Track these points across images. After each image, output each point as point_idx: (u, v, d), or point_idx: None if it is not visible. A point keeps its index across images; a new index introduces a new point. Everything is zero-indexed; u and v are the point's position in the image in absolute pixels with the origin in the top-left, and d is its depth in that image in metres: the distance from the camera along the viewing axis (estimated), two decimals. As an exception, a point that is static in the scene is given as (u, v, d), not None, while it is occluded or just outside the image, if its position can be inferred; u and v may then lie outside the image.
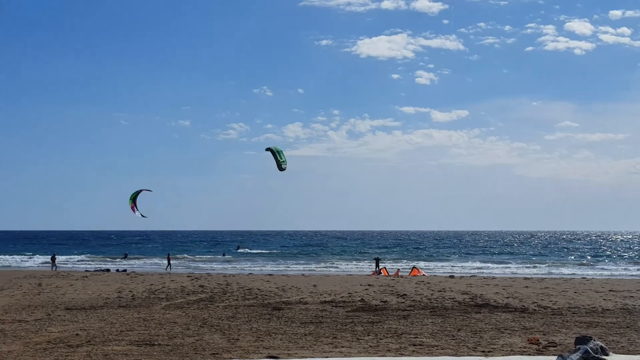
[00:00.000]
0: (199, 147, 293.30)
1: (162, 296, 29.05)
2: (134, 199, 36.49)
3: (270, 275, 46.73)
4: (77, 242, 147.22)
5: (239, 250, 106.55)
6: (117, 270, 54.26)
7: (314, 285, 35.07)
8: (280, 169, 29.85)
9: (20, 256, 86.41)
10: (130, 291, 31.56)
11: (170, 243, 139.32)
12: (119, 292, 31.22)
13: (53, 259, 60.36)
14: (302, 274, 49.62)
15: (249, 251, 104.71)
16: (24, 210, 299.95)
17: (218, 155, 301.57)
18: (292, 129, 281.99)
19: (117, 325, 19.19)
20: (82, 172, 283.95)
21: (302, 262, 77.22)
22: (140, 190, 36.85)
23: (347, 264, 72.23)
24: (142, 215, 36.61)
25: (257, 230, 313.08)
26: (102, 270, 54.26)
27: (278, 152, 29.77)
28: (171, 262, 62.46)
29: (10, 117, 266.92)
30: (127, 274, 47.18)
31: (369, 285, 35.51)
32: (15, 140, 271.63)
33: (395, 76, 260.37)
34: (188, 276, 43.46)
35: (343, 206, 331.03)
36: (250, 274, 49.86)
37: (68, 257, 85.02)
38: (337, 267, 67.12)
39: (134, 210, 36.23)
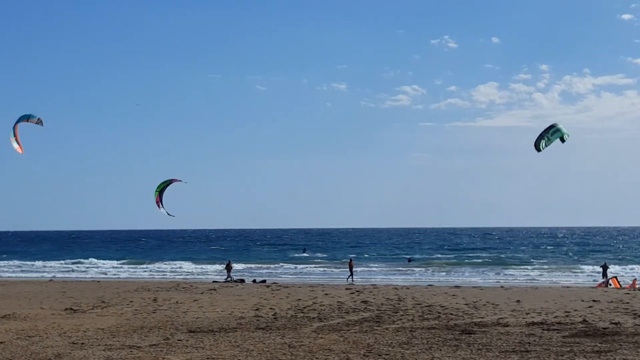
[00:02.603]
0: (358, 118, 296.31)
1: (313, 315, 29.38)
2: (160, 191, 36.66)
3: (456, 287, 46.44)
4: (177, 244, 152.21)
5: (304, 254, 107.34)
6: (254, 281, 55.39)
7: (517, 301, 34.53)
8: (538, 147, 30.11)
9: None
10: (271, 308, 32.13)
11: (324, 245, 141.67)
12: (257, 309, 31.84)
13: (228, 267, 61.55)
14: (501, 286, 49.03)
15: (319, 255, 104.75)
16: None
17: (384, 128, 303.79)
18: (484, 91, 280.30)
19: (254, 353, 19.57)
20: (195, 153, 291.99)
21: (496, 267, 76.49)
22: (170, 181, 36.99)
23: (562, 273, 70.83)
24: (169, 214, 36.79)
25: (434, 227, 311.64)
26: (235, 281, 55.57)
27: (558, 130, 30.01)
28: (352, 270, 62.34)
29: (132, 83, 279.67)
30: (268, 286, 48.08)
31: (594, 301, 34.59)
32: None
33: (626, 17, 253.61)
34: (347, 289, 43.82)
35: (553, 194, 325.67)
36: (429, 285, 49.75)
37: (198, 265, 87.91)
38: (547, 277, 65.92)
39: (158, 206, 36.44)
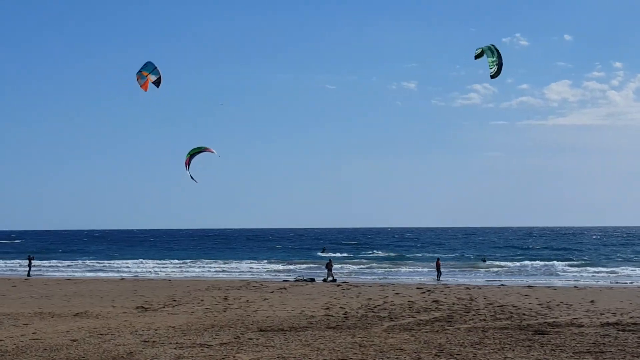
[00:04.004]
0: (428, 117, 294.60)
1: (384, 314, 29.41)
2: (192, 154, 37.21)
3: (529, 287, 46.03)
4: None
5: (324, 254, 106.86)
6: (324, 280, 55.45)
7: (592, 301, 34.19)
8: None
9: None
10: (341, 307, 32.24)
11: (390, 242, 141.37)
12: (327, 308, 31.97)
13: (329, 266, 59.77)
14: (575, 286, 48.53)
15: (333, 255, 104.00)
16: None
17: (455, 127, 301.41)
18: (557, 89, 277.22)
19: (325, 352, 19.63)
20: (265, 154, 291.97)
21: (570, 267, 75.73)
22: (204, 149, 37.45)
23: (638, 273, 69.73)
24: (192, 178, 37.28)
25: (507, 226, 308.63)
26: (305, 280, 55.62)
27: (490, 50, 29.51)
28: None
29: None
30: (338, 285, 48.25)
31: (672, 301, 34.17)
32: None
33: None
34: (418, 288, 43.74)
35: (627, 192, 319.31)
36: (502, 285, 49.39)
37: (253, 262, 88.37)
38: (622, 277, 64.97)
39: (186, 167, 37.00)
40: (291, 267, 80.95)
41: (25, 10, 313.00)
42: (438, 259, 67.14)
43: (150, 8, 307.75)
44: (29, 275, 65.62)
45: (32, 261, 69.88)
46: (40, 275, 67.33)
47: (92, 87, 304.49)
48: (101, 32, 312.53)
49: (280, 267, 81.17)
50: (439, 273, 60.25)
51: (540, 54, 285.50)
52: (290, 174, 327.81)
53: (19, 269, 79.17)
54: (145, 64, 34.34)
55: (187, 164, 37.34)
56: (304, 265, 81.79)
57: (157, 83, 34.26)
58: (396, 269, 76.46)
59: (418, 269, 75.77)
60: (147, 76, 34.20)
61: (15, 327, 25.95)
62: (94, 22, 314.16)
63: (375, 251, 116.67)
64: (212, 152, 37.68)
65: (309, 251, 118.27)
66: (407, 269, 76.26)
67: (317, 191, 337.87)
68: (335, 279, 56.78)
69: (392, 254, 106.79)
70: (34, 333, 24.15)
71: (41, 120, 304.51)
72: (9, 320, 28.05)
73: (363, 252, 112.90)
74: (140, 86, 34.52)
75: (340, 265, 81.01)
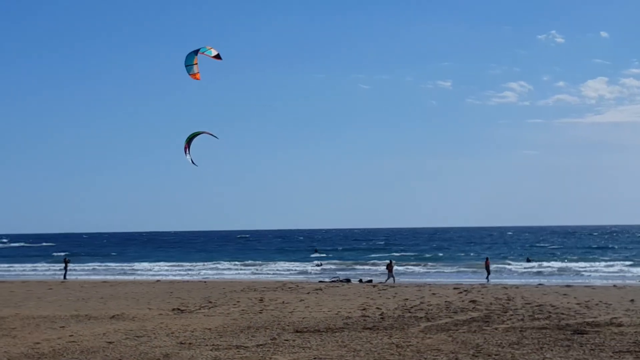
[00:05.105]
0: (464, 116, 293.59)
1: (421, 315, 29.38)
2: (190, 139, 37.46)
3: (568, 286, 45.83)
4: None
5: (315, 255, 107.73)
6: (360, 281, 55.42)
7: (631, 300, 34.01)
8: None
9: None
10: (378, 308, 32.24)
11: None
12: (364, 309, 31.97)
13: (389, 267, 58.86)
14: (614, 285, 48.24)
15: (325, 256, 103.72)
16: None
17: (490, 125, 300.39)
18: (594, 86, 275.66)
19: (362, 353, 19.66)
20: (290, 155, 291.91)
21: (609, 266, 75.22)
22: (201, 132, 37.71)
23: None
24: (193, 162, 37.52)
25: (545, 225, 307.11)
26: (341, 281, 55.64)
27: None
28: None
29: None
30: (374, 285, 48.29)
31: None
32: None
33: None
34: (454, 288, 43.67)
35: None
36: (539, 284, 49.22)
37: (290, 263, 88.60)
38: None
39: (185, 152, 37.27)
40: (323, 267, 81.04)
41: (71, 15, 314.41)
42: (487, 258, 66.36)
43: (186, 14, 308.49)
44: (65, 277, 66.16)
45: (68, 264, 70.42)
46: (75, 278, 67.75)
47: (126, 90, 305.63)
48: (140, 36, 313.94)
49: (310, 268, 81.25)
50: (488, 273, 59.71)
51: (577, 51, 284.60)
52: (322, 174, 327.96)
53: (53, 271, 79.83)
54: (198, 49, 34.77)
55: (186, 148, 37.68)
56: (336, 267, 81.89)
57: (217, 56, 34.67)
58: (432, 270, 76.32)
59: (455, 269, 75.57)
60: (196, 64, 34.60)
61: (52, 329, 26.18)
62: (135, 25, 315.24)
63: (409, 251, 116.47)
64: (210, 134, 37.94)
65: (342, 252, 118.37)
66: (444, 269, 76.07)
67: (350, 191, 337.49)
68: (393, 278, 56.15)
69: (428, 255, 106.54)
70: (70, 335, 24.35)
71: (71, 125, 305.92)
72: (45, 323, 28.30)
73: (396, 253, 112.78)
74: (195, 75, 34.90)
75: (376, 267, 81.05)
